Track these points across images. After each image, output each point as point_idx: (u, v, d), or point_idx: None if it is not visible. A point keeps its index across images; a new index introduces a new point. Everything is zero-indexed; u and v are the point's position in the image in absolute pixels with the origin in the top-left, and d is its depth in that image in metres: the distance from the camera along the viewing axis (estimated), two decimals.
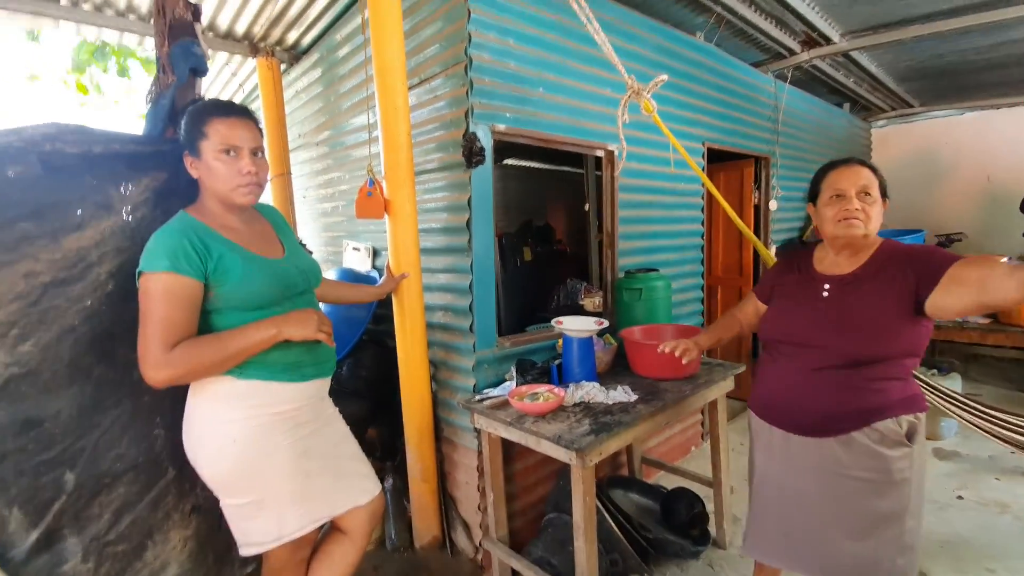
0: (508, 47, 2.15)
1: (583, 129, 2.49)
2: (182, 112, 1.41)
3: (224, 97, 4.17)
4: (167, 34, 1.66)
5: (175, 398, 1.46)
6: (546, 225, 5.97)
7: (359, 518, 1.61)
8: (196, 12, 1.72)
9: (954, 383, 3.35)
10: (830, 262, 1.52)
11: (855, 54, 3.95)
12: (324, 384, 1.59)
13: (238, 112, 1.40)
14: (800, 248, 1.65)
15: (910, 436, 1.38)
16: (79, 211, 1.31)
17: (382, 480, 2.34)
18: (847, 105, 5.48)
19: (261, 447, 1.39)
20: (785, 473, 1.52)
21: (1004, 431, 2.45)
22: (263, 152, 1.43)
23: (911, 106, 5.82)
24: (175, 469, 1.55)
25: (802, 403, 1.46)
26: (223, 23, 2.98)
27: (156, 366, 1.24)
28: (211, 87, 4.04)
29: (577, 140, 2.47)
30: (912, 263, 1.35)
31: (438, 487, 2.24)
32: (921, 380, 2.76)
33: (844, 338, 1.38)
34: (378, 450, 2.51)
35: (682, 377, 2.19)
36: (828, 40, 3.62)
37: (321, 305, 2.20)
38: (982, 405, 2.63)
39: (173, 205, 1.44)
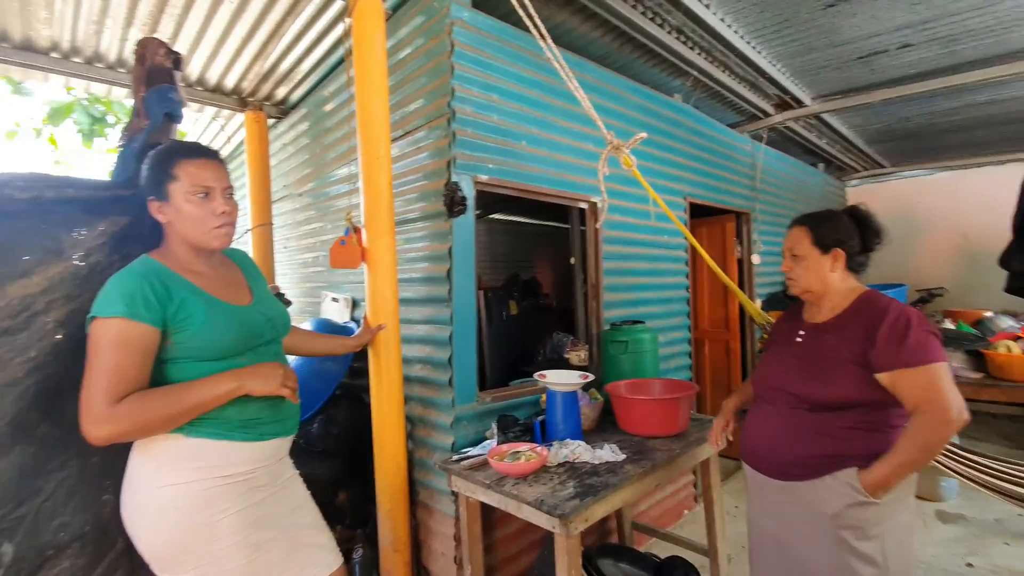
0: (491, 101, 2.18)
1: (566, 181, 2.50)
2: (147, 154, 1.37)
3: None
4: (145, 80, 1.65)
5: (127, 459, 1.33)
6: (532, 279, 5.95)
7: None
8: (177, 61, 1.72)
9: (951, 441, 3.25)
10: (812, 311, 1.55)
11: (826, 116, 4.12)
12: (285, 444, 1.47)
13: (207, 153, 1.36)
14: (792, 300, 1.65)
15: None
16: (25, 256, 1.24)
17: (350, 551, 2.17)
18: (822, 165, 5.69)
19: (205, 515, 1.25)
20: (768, 518, 1.51)
21: (1009, 484, 2.34)
22: (233, 193, 1.39)
23: (883, 167, 6.06)
24: (125, 540, 1.38)
25: (773, 446, 1.47)
26: (212, 77, 3.03)
27: (98, 421, 1.12)
28: (199, 139, 4.07)
29: (561, 192, 2.47)
30: (874, 335, 1.33)
31: (411, 558, 2.05)
32: None
33: (805, 382, 1.42)
34: (348, 516, 2.32)
35: (671, 435, 2.08)
36: (800, 103, 3.78)
37: (292, 358, 2.10)
38: (979, 456, 2.53)
39: (134, 251, 1.36)
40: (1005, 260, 4.72)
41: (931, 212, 6.01)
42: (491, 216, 5.91)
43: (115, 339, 1.16)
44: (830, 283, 1.47)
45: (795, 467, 1.41)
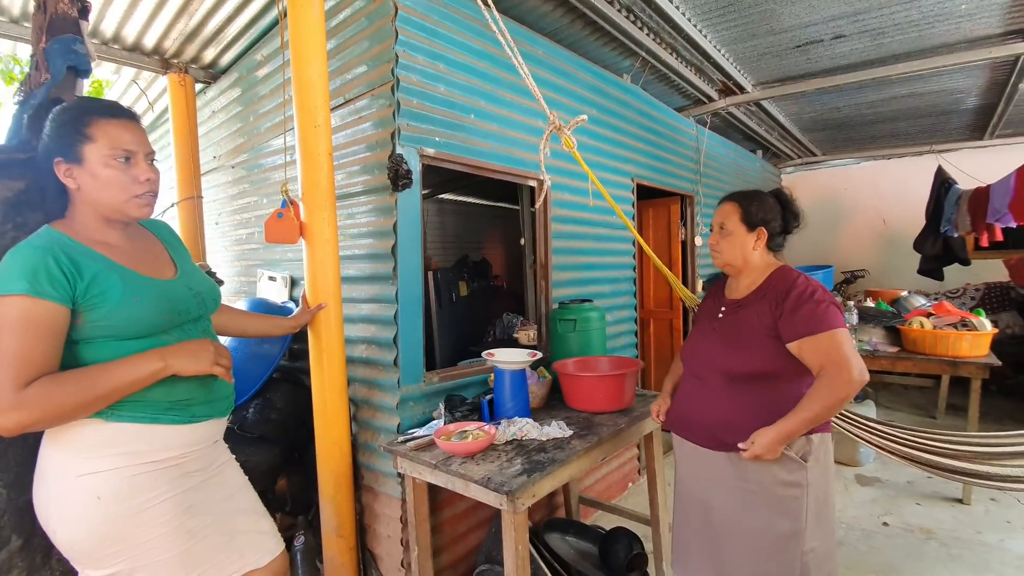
0: (438, 71, 2.10)
1: (516, 158, 2.46)
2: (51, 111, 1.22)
3: None
4: (46, 29, 1.47)
5: (21, 448, 1.23)
6: (483, 260, 5.91)
7: None
8: (83, 9, 1.54)
9: (869, 410, 3.51)
10: (733, 287, 1.64)
11: (765, 103, 4.27)
12: (219, 426, 1.38)
13: (128, 113, 1.23)
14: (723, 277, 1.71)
15: (803, 455, 1.42)
16: None
17: (292, 537, 2.09)
18: (760, 152, 5.92)
19: (132, 504, 1.16)
20: (696, 484, 1.59)
21: (916, 452, 2.55)
22: (154, 158, 1.27)
23: (815, 154, 6.39)
24: (21, 538, 1.28)
25: (700, 416, 1.55)
26: (130, 34, 2.76)
27: (3, 409, 1.01)
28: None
29: (510, 169, 2.43)
30: (781, 307, 1.43)
31: (356, 543, 2.00)
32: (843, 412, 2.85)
33: (725, 355, 1.49)
34: (288, 503, 2.23)
35: (617, 410, 2.12)
36: (742, 89, 3.89)
37: (225, 339, 1.97)
38: (891, 428, 2.75)
39: (32, 219, 1.24)
40: (919, 244, 5.13)
41: (855, 199, 6.41)
42: (441, 196, 5.79)
43: (18, 319, 1.04)
44: (750, 259, 1.55)
45: (723, 435, 1.47)
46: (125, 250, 1.24)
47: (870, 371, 1.41)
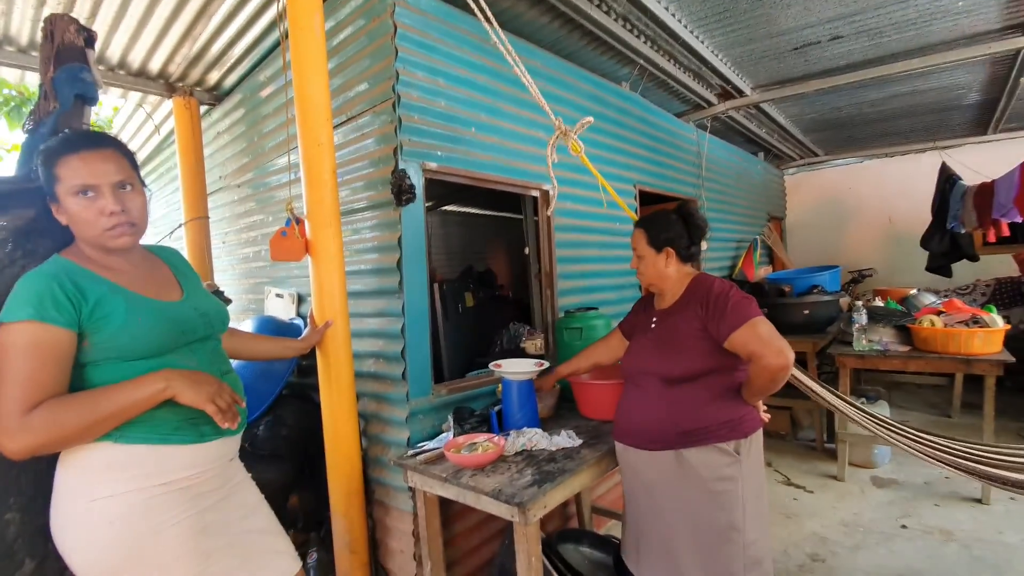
0: (438, 86, 2.12)
1: (518, 169, 2.47)
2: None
3: (139, 140, 3.93)
4: (54, 59, 1.50)
5: (33, 473, 1.23)
6: (488, 270, 5.91)
7: None
8: (89, 39, 1.58)
9: (882, 411, 3.47)
10: (660, 300, 1.77)
11: (765, 106, 4.28)
12: (231, 444, 1.38)
13: (91, 143, 1.20)
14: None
15: (736, 450, 1.54)
16: None
17: (305, 555, 2.09)
18: (762, 154, 5.92)
19: (146, 527, 1.16)
20: (639, 487, 1.66)
21: (942, 454, 2.50)
22: (134, 184, 1.23)
23: (817, 155, 6.37)
24: (34, 561, 1.27)
25: (639, 421, 1.64)
26: (135, 61, 2.81)
27: (11, 432, 1.02)
28: (124, 128, 3.79)
29: (512, 180, 2.45)
30: (706, 310, 1.56)
31: (369, 559, 1.99)
32: (855, 407, 2.82)
33: (659, 359, 1.62)
34: (301, 520, 2.23)
35: None
36: (741, 93, 3.91)
37: (235, 361, 1.99)
38: (914, 430, 2.70)
39: (40, 247, 1.25)
40: (925, 241, 5.10)
41: (860, 198, 6.38)
42: (444, 208, 5.82)
43: (25, 345, 1.05)
44: (667, 276, 1.69)
45: (661, 437, 1.58)
46: (129, 274, 1.25)
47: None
